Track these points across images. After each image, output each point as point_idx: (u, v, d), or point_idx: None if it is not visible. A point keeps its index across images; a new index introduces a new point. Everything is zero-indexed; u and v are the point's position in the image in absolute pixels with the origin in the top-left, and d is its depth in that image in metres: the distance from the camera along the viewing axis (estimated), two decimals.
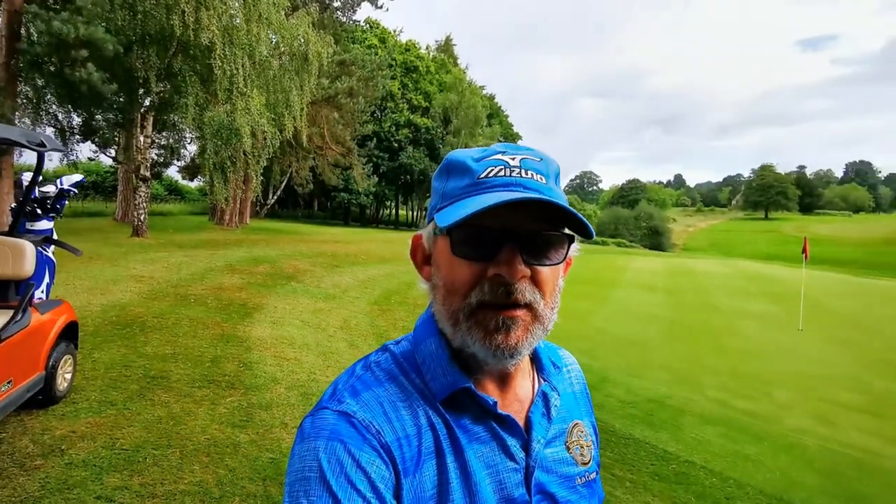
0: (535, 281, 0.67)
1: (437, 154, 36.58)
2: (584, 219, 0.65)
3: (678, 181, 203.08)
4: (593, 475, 0.79)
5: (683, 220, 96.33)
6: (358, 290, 10.72)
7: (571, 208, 0.64)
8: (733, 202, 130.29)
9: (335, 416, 0.64)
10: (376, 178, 32.71)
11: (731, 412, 5.61)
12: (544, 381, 0.79)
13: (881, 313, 12.50)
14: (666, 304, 12.19)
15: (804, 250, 11.70)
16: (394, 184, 39.15)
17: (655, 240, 61.47)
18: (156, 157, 19.55)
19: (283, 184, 28.98)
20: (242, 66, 12.56)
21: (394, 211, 49.62)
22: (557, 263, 0.69)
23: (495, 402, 0.69)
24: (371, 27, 37.68)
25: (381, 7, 28.13)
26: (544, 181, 0.68)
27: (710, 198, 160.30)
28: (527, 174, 0.68)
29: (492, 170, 0.68)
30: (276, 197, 31.11)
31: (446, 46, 47.41)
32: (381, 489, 0.60)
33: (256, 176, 14.46)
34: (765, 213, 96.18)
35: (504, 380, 0.74)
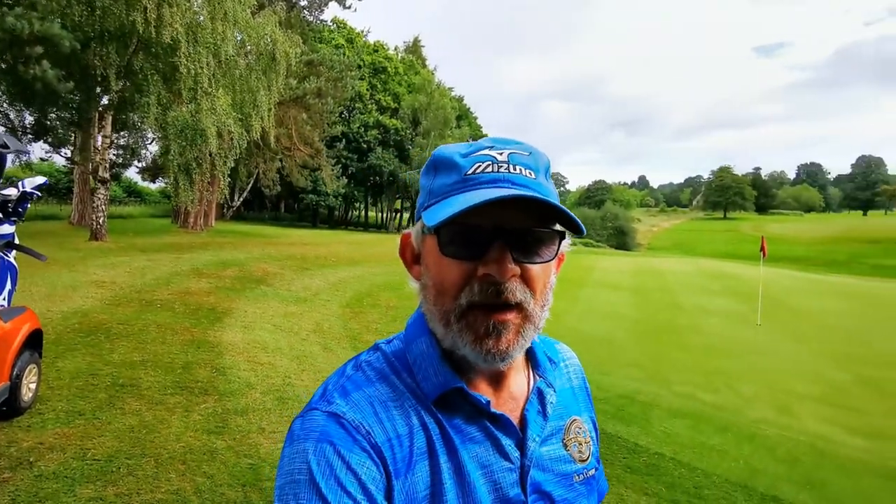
0: (526, 279, 0.65)
1: (407, 155, 36.52)
2: (574, 215, 0.64)
3: (642, 182, 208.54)
4: (592, 472, 0.78)
5: (648, 220, 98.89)
6: (329, 293, 10.63)
7: (560, 205, 0.63)
8: (694, 202, 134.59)
9: (325, 416, 0.63)
10: (345, 180, 32.40)
11: (697, 405, 5.83)
12: (540, 377, 0.77)
13: (833, 308, 13.18)
14: (633, 302, 12.54)
15: (762, 249, 12.22)
16: (363, 185, 38.86)
17: (621, 239, 62.97)
18: (114, 158, 18.85)
19: (250, 185, 28.37)
20: (207, 64, 12.26)
21: (363, 212, 49.25)
22: (548, 261, 0.67)
23: (488, 402, 0.68)
24: (339, 27, 37.32)
25: (349, 7, 27.94)
26: (533, 176, 0.67)
27: (672, 198, 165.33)
28: (515, 169, 0.66)
29: (479, 165, 0.66)
30: (242, 199, 30.43)
31: (414, 48, 47.37)
32: (371, 491, 0.59)
33: (223, 177, 14.12)
34: (724, 213, 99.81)
35: (497, 378, 0.72)
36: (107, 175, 13.30)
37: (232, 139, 13.60)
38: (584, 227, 0.66)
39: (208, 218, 22.27)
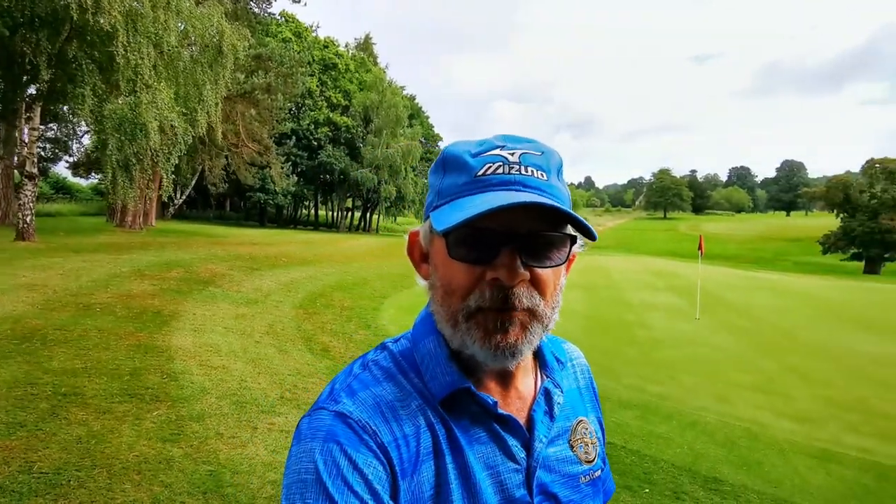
0: (535, 283, 0.64)
1: (358, 153, 36.05)
2: (586, 221, 0.63)
3: (588, 183, 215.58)
4: (598, 473, 0.77)
5: (594, 220, 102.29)
6: (281, 294, 10.38)
7: (572, 211, 0.62)
8: (637, 203, 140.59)
9: (331, 416, 0.62)
10: (295, 178, 31.61)
11: (644, 396, 6.14)
12: (547, 377, 0.76)
13: (763, 302, 14.17)
14: (583, 299, 12.99)
15: (700, 247, 12.97)
16: (313, 183, 38.03)
17: None
18: (42, 152, 17.56)
19: (193, 183, 27.16)
20: (148, 55, 11.65)
21: (313, 211, 48.22)
22: (558, 265, 0.66)
23: (496, 402, 0.67)
24: (287, 21, 36.35)
25: (298, 1, 27.25)
26: (545, 177, 0.65)
27: (616, 198, 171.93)
28: (526, 171, 0.64)
29: (490, 166, 0.64)
30: (184, 197, 29.08)
31: (366, 45, 46.80)
32: (378, 490, 0.59)
33: (167, 174, 13.46)
34: (664, 213, 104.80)
35: (505, 378, 0.72)
36: (34, 170, 12.38)
37: (175, 134, 13.00)
38: (595, 232, 0.65)
39: (148, 217, 21.17)
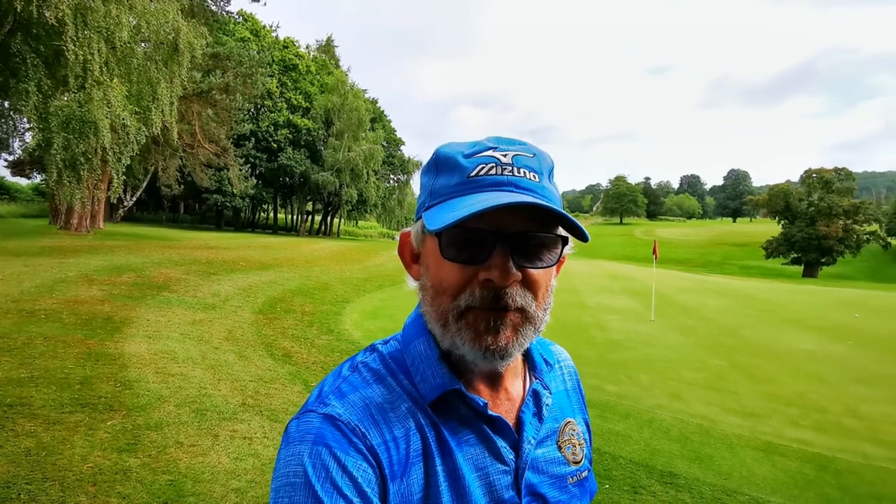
0: (527, 283, 0.64)
1: (319, 156, 35.53)
2: (577, 222, 0.63)
3: None
4: (585, 473, 0.77)
5: None
6: (239, 299, 10.12)
7: (564, 212, 0.62)
8: (594, 208, 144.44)
9: (320, 419, 0.62)
10: (254, 180, 30.83)
11: (603, 396, 6.34)
12: (536, 379, 0.77)
13: (711, 304, 14.85)
14: None
15: (654, 252, 13.48)
16: (272, 186, 37.21)
17: None
18: None
19: (145, 184, 26.07)
20: (99, 51, 11.17)
21: (272, 214, 47.13)
22: (550, 266, 0.66)
23: (485, 404, 0.67)
24: (245, 20, 35.50)
25: (257, 0, 26.68)
26: (537, 179, 0.66)
27: (574, 204, 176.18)
28: (519, 172, 0.65)
29: (483, 167, 0.64)
30: (135, 199, 27.86)
31: (327, 47, 46.27)
32: (367, 493, 0.59)
33: (118, 175, 12.88)
34: (620, 218, 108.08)
35: (494, 380, 0.72)
36: None
37: (127, 133, 12.48)
38: (588, 233, 0.65)
39: (96, 219, 20.16)
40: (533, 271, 0.64)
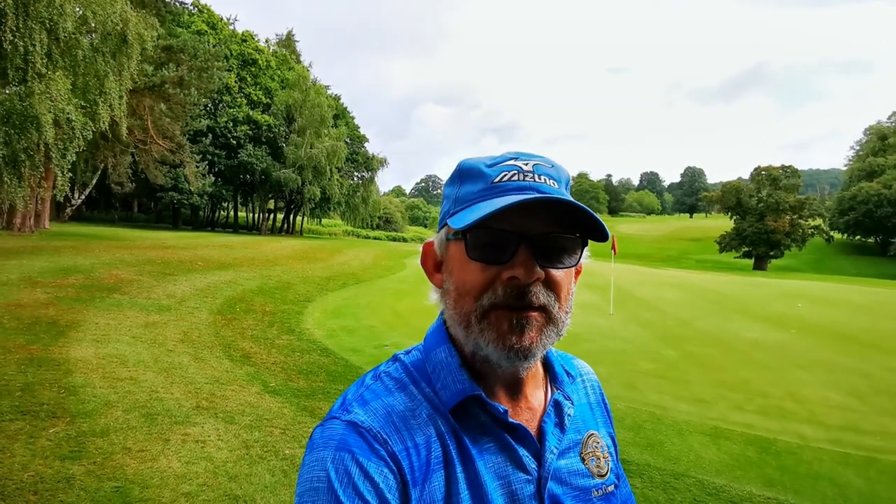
0: (549, 284, 0.66)
1: (280, 153, 34.83)
2: (601, 220, 0.65)
3: None
4: (611, 488, 0.76)
5: None
6: (197, 300, 9.85)
7: (589, 209, 0.64)
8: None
9: (343, 425, 0.64)
10: (212, 178, 29.92)
11: None
12: (557, 390, 0.77)
13: (668, 297, 15.40)
14: None
15: (613, 247, 13.87)
16: (232, 183, 36.22)
17: None
18: None
19: (94, 181, 24.95)
20: (41, 42, 10.60)
21: (232, 213, 45.90)
22: (571, 266, 0.68)
23: (506, 411, 0.68)
24: (200, 11, 34.37)
25: None
26: (556, 186, 0.69)
27: None
28: (540, 179, 0.68)
29: (506, 174, 0.68)
30: (83, 197, 26.62)
31: (288, 42, 45.28)
32: (388, 499, 0.59)
33: (62, 172, 12.27)
34: None
35: (515, 388, 0.73)
36: None
37: (73, 129, 11.91)
38: (608, 231, 0.68)
39: (41, 218, 19.20)
40: (555, 272, 0.66)
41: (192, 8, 32.77)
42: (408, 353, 0.76)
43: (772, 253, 44.18)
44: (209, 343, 7.15)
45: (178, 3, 22.74)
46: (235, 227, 42.10)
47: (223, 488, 3.19)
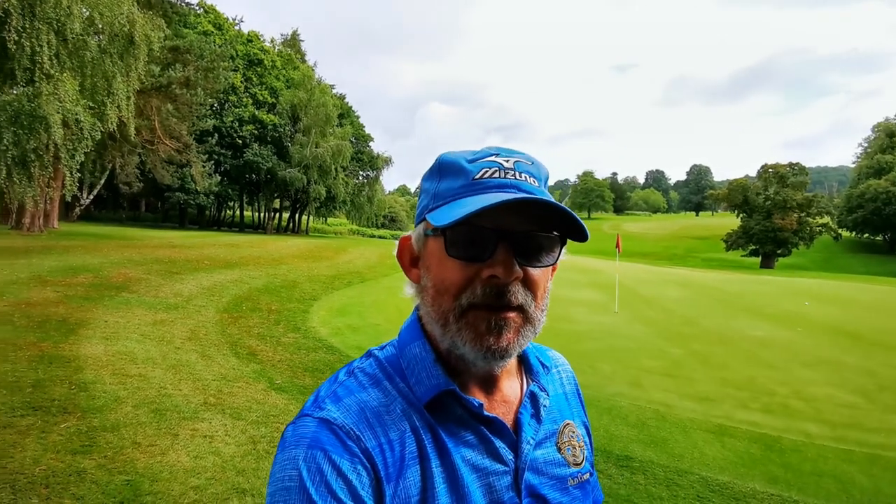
0: (527, 283, 0.66)
1: (286, 152, 34.95)
2: (582, 221, 0.66)
3: None
4: (587, 476, 0.77)
5: None
6: (203, 298, 9.94)
7: (571, 211, 0.65)
8: (562, 203, 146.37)
9: (316, 423, 0.63)
10: (218, 177, 30.10)
11: None
12: (533, 381, 0.77)
13: (673, 295, 15.36)
14: None
15: (617, 245, 13.85)
16: (238, 183, 36.41)
17: None
18: None
19: (103, 182, 25.15)
20: (48, 42, 10.72)
21: (238, 212, 46.12)
22: (550, 265, 0.68)
23: (481, 405, 0.68)
24: (206, 12, 34.54)
25: None
26: (537, 184, 0.69)
27: None
28: (521, 176, 0.67)
29: (487, 171, 0.67)
30: (91, 197, 26.85)
31: (293, 42, 45.45)
32: (361, 496, 0.59)
33: (71, 172, 12.40)
34: (588, 213, 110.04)
35: (489, 382, 0.73)
36: None
37: (81, 129, 12.02)
38: (588, 232, 0.68)
39: (50, 218, 19.39)
40: (533, 271, 0.67)
41: (198, 9, 32.98)
42: (382, 348, 0.75)
43: (779, 251, 43.89)
44: (216, 341, 7.22)
45: (184, 4, 22.92)
46: (241, 227, 42.31)
47: (231, 482, 3.24)
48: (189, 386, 5.00)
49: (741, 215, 47.30)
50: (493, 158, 0.68)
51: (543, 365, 0.81)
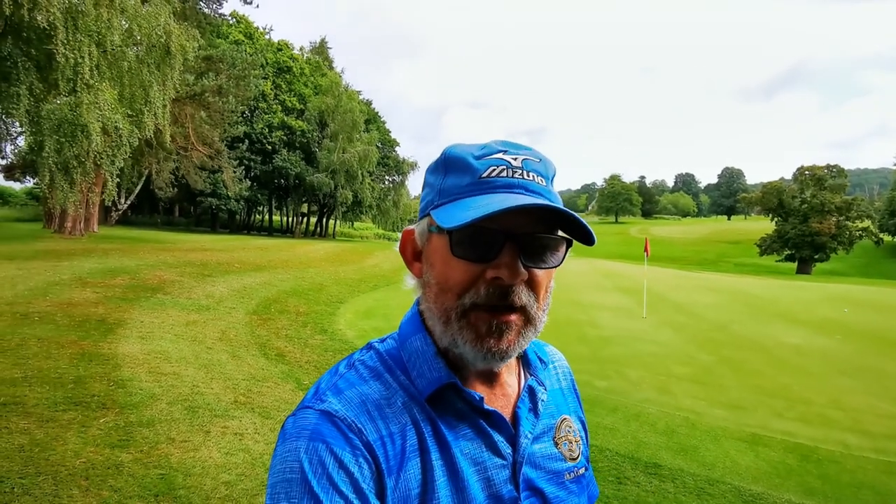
0: (531, 284, 0.66)
1: (314, 157, 35.56)
2: (588, 226, 0.64)
3: None
4: (582, 470, 0.78)
5: None
6: (234, 300, 10.18)
7: (578, 216, 0.63)
8: (590, 207, 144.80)
9: (317, 415, 0.62)
10: (248, 182, 30.83)
11: (592, 391, 6.43)
12: (531, 376, 0.77)
13: (703, 301, 15.00)
14: None
15: (645, 249, 13.62)
16: (267, 188, 37.21)
17: None
18: None
19: (139, 187, 26.05)
20: (90, 54, 11.21)
21: (267, 216, 47.10)
22: (554, 266, 0.68)
23: (481, 398, 0.68)
24: (238, 22, 35.51)
25: (250, 3, 26.70)
26: (544, 183, 0.68)
27: (570, 203, 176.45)
28: (528, 176, 0.67)
29: (494, 169, 0.66)
30: (129, 202, 27.83)
31: (321, 49, 46.31)
32: (363, 489, 0.59)
33: (111, 178, 12.91)
34: (615, 217, 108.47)
35: (490, 376, 0.73)
36: None
37: (120, 136, 12.51)
38: (595, 236, 0.66)
39: (89, 222, 20.16)
40: (537, 272, 0.66)
41: (230, 19, 33.91)
42: (382, 341, 0.75)
43: (816, 256, 42.33)
44: (245, 342, 7.39)
45: (217, 15, 23.61)
46: (270, 231, 43.18)
47: (260, 479, 3.31)
48: (220, 385, 5.13)
49: (776, 219, 45.80)
50: (500, 156, 0.67)
51: (541, 360, 0.82)
